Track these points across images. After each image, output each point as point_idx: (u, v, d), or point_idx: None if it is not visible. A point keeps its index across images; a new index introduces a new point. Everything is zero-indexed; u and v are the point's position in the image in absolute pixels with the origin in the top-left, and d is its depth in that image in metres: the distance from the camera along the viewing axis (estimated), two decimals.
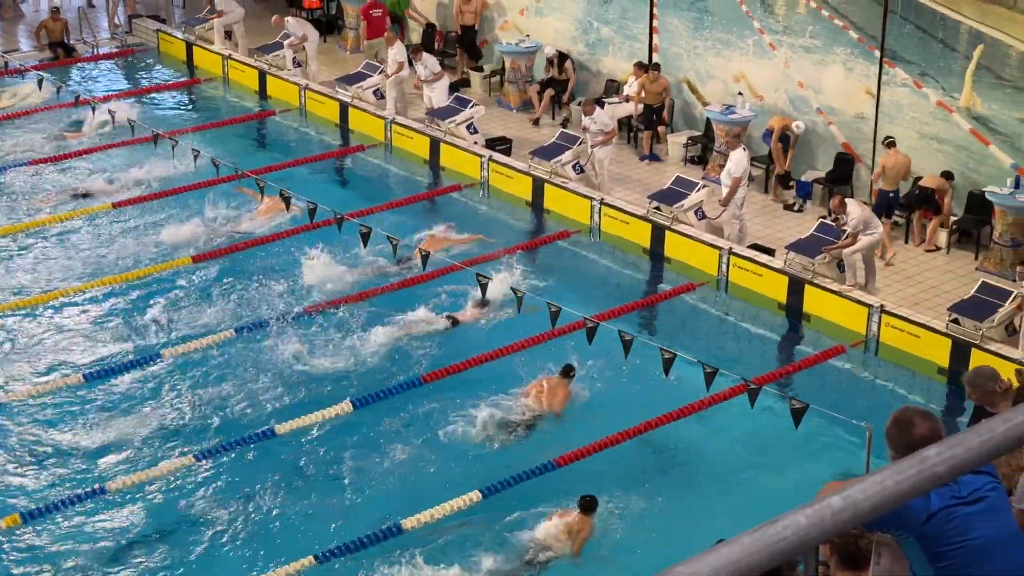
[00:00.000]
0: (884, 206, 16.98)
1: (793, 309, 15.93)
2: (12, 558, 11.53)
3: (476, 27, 23.07)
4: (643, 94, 19.83)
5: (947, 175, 16.86)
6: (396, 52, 21.35)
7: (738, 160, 16.94)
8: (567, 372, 13.80)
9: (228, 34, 24.68)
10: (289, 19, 23.54)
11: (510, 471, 12.38)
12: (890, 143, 17.07)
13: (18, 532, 11.73)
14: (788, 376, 14.49)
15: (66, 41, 24.69)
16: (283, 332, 14.96)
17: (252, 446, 12.95)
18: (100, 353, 14.84)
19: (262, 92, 23.30)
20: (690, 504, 12.37)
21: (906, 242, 17.28)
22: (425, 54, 21.39)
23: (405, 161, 20.56)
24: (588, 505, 11.67)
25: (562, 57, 21.62)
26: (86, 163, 20.16)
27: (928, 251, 16.95)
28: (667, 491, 12.51)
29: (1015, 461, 5.39)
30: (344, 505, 12.26)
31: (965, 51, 16.75)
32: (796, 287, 15.90)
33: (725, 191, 17.08)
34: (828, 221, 16.26)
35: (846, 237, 15.59)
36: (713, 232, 17.34)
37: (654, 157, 20.08)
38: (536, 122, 21.48)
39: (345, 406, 13.42)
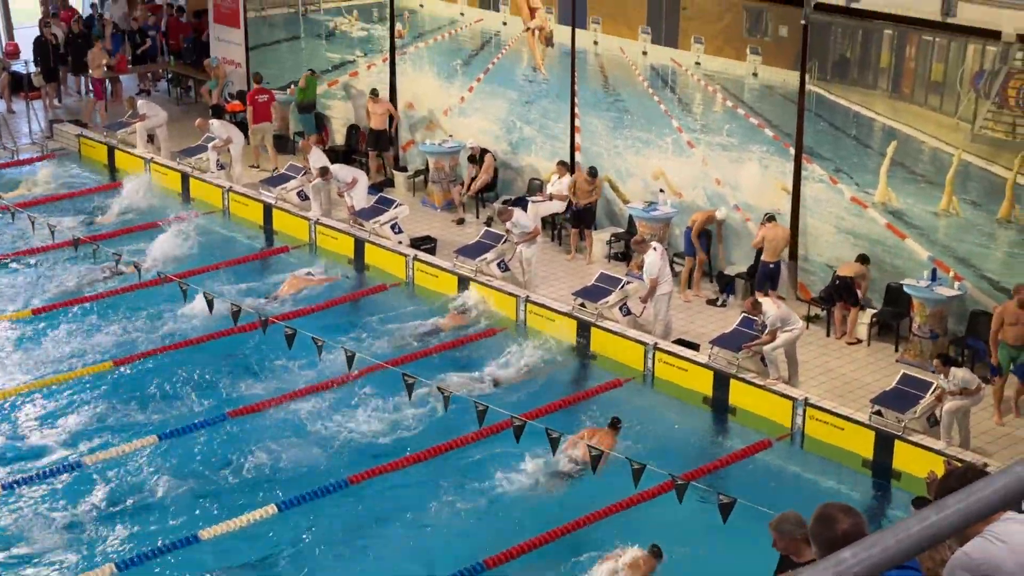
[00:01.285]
0: (765, 276, 17.73)
1: (719, 403, 16.03)
2: None
3: (387, 130, 23.21)
4: (577, 193, 20.01)
5: (863, 259, 17.20)
6: (315, 158, 21.50)
7: (651, 262, 17.08)
8: (615, 424, 14.51)
9: (151, 138, 24.65)
10: (213, 122, 23.59)
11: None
12: (770, 218, 17.80)
13: None
14: (716, 471, 14.52)
15: None
16: (213, 435, 14.82)
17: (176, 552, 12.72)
18: (19, 460, 14.57)
19: (185, 195, 23.23)
20: None
21: (828, 335, 17.50)
22: (334, 168, 21.35)
23: (330, 262, 20.53)
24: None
25: (483, 152, 21.80)
26: (6, 270, 19.93)
27: (849, 343, 17.17)
28: None
29: (938, 556, 5.41)
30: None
31: (879, 147, 17.15)
32: (721, 381, 16.02)
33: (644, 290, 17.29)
34: (750, 316, 16.44)
35: (766, 334, 15.77)
36: (638, 328, 17.45)
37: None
38: (460, 221, 21.61)
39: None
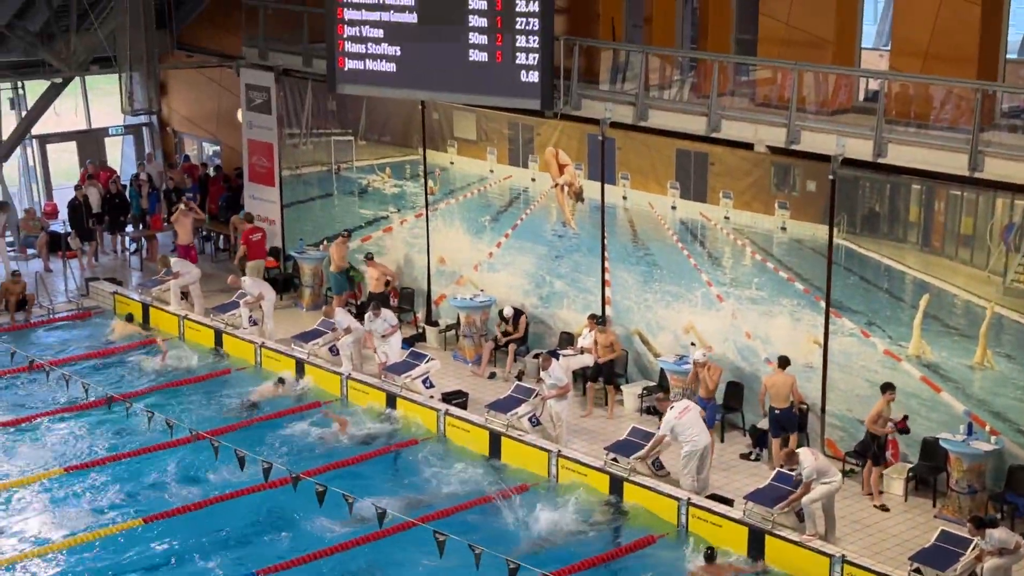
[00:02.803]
0: (775, 423, 17.83)
1: (755, 558, 15.76)
2: None
3: (384, 292, 23.45)
4: (597, 348, 20.08)
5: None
6: (339, 318, 21.84)
7: (667, 420, 17.17)
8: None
9: (184, 295, 24.93)
10: (245, 279, 23.89)
11: None
12: (775, 364, 17.99)
13: None
14: None
15: (24, 299, 24.92)
16: None
17: None
18: None
19: (218, 350, 23.38)
20: None
21: (864, 491, 17.27)
22: (384, 310, 21.68)
23: (361, 415, 20.51)
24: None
25: (517, 313, 21.93)
26: (39, 429, 20.00)
27: (877, 507, 16.85)
28: None
29: None
30: None
31: (911, 300, 17.14)
32: (757, 537, 15.78)
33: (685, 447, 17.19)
34: (785, 470, 16.28)
35: (802, 487, 15.59)
36: (670, 483, 17.31)
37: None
38: (492, 376, 21.62)
39: None
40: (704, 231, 19.55)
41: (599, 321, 20.40)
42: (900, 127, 16.64)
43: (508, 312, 21.90)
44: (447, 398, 20.32)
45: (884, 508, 16.84)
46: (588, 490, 17.61)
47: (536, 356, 20.73)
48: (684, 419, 17.08)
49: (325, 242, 25.44)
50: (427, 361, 20.82)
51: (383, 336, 21.31)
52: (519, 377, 20.98)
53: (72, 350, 23.54)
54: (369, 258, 23.73)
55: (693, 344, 19.61)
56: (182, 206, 26.41)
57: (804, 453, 15.88)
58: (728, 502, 16.62)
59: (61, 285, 26.77)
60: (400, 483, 18.19)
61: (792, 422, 17.78)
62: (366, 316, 21.65)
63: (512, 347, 21.74)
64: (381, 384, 20.79)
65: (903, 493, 16.99)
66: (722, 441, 18.98)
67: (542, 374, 18.82)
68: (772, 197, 18.52)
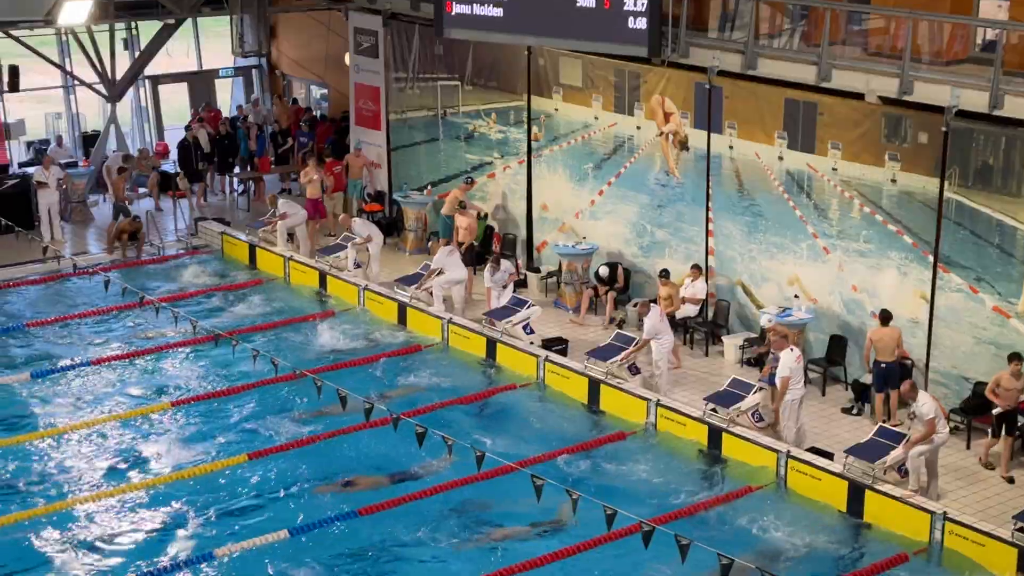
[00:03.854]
0: (880, 377, 17.63)
1: (854, 515, 15.66)
2: None
3: (473, 245, 23.56)
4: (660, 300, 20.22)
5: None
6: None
7: (785, 361, 16.99)
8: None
9: (291, 236, 25.25)
10: (356, 220, 24.14)
11: None
12: (881, 318, 17.72)
13: None
14: None
15: (136, 236, 25.46)
16: (344, 531, 14.97)
17: None
18: (154, 549, 14.87)
19: (323, 292, 23.68)
20: None
21: (967, 447, 17.03)
22: (503, 260, 21.80)
23: (462, 360, 20.68)
24: None
25: (612, 269, 21.85)
26: (145, 362, 20.49)
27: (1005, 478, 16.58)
28: None
29: None
30: None
31: (1022, 256, 16.78)
32: (857, 492, 15.66)
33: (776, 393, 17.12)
34: (888, 426, 16.13)
35: (924, 426, 15.40)
36: (771, 435, 17.23)
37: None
38: (620, 323, 21.39)
39: None
40: (811, 182, 19.30)
41: (662, 273, 20.34)
42: (1018, 78, 16.22)
43: (604, 272, 21.85)
44: (547, 345, 20.38)
45: (990, 466, 16.58)
46: (686, 439, 17.60)
47: (635, 305, 20.68)
48: (800, 365, 17.03)
49: (429, 187, 25.57)
50: (528, 307, 20.89)
51: (504, 287, 21.46)
52: (619, 326, 20.96)
53: (181, 287, 24.02)
54: (461, 207, 23.81)
55: (796, 296, 19.42)
56: (312, 163, 26.43)
57: (925, 394, 15.74)
58: (828, 456, 16.51)
59: (170, 224, 27.27)
60: (498, 427, 18.32)
61: (896, 377, 17.56)
62: (486, 270, 21.80)
63: (612, 295, 21.70)
64: (481, 330, 20.91)
65: (1009, 452, 16.72)
66: (823, 395, 18.83)
67: (645, 320, 18.79)
68: (882, 149, 18.20)
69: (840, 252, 18.99)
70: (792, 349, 17.22)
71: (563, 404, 19.10)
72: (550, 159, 23.59)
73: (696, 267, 20.60)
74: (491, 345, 20.55)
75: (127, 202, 26.46)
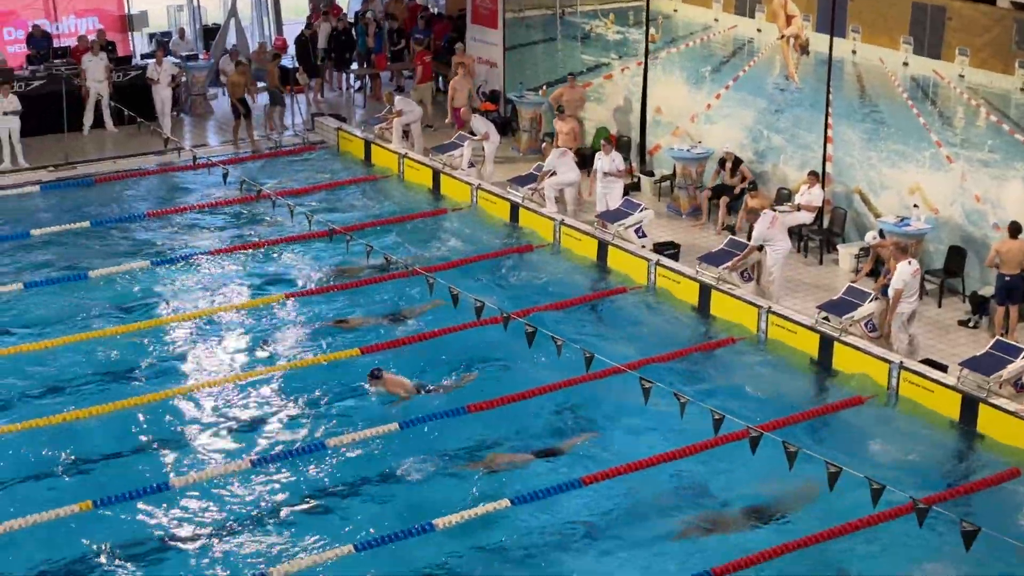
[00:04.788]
0: (1004, 290, 17.15)
1: (967, 427, 15.48)
2: None
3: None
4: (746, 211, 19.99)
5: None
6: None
7: (900, 272, 16.73)
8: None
9: (406, 133, 25.34)
10: (476, 116, 24.12)
11: None
12: (1010, 230, 17.17)
13: None
14: (961, 497, 14.02)
15: (246, 97, 25.93)
16: (452, 427, 15.19)
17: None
18: (267, 439, 15.24)
19: (436, 191, 23.79)
20: None
21: None
22: (616, 152, 21.66)
23: (573, 262, 20.70)
24: None
25: (736, 160, 21.62)
26: (261, 254, 20.83)
27: None
28: None
29: None
30: None
31: None
32: (970, 404, 15.46)
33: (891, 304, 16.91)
34: (1006, 340, 15.84)
35: None
36: (884, 346, 17.04)
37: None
38: (729, 230, 21.24)
39: None
40: (936, 89, 18.80)
41: (750, 187, 20.25)
42: None
43: (726, 150, 21.61)
44: (659, 249, 20.30)
45: None
46: (796, 348, 17.48)
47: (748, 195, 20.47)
48: (916, 278, 16.78)
49: (544, 87, 25.42)
50: (641, 211, 20.78)
51: (605, 173, 21.29)
52: (732, 231, 20.76)
53: (297, 182, 24.30)
54: (559, 111, 23.64)
55: (916, 206, 19.04)
56: (461, 72, 26.22)
57: None
58: (942, 368, 16.28)
59: (288, 119, 27.51)
60: (608, 330, 18.36)
61: (1020, 291, 17.15)
62: (597, 154, 21.68)
63: (724, 200, 21.46)
64: (594, 231, 20.87)
65: None
66: (939, 307, 18.52)
67: (755, 229, 18.60)
68: (1012, 56, 17.63)
69: (963, 162, 18.53)
70: (910, 262, 16.92)
71: (673, 309, 19.06)
72: (667, 61, 23.28)
73: (812, 174, 20.27)
74: (602, 247, 20.52)
75: (251, 95, 26.66)
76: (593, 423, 15.75)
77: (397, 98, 25.78)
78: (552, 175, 21.90)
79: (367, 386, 16.15)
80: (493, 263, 20.60)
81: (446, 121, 26.65)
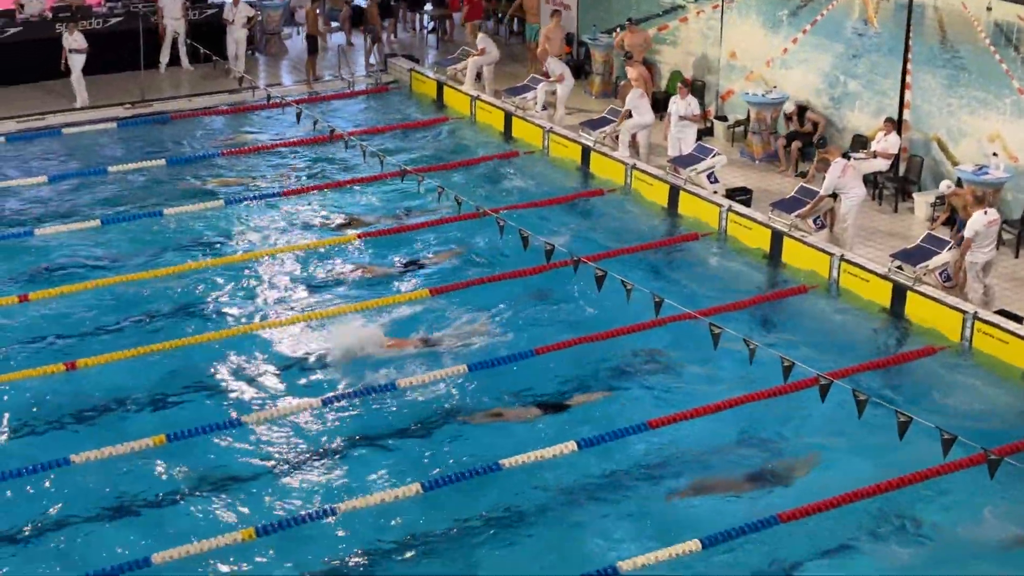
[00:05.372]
0: None
1: None
2: None
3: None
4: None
5: None
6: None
7: (973, 221, 16.51)
8: None
9: (477, 76, 25.26)
10: (552, 58, 23.97)
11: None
12: None
13: None
14: None
15: (314, 34, 26.11)
16: (521, 369, 15.32)
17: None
18: (336, 378, 15.40)
19: (507, 133, 23.73)
20: None
21: None
22: (692, 97, 21.48)
23: (644, 207, 20.61)
24: None
25: (801, 110, 21.35)
26: (336, 195, 20.95)
27: None
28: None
29: None
30: None
31: None
32: None
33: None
34: None
35: None
36: (958, 295, 16.83)
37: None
38: (801, 176, 21.01)
39: None
40: (1020, 35, 18.39)
41: (819, 143, 19.85)
42: None
43: (789, 108, 21.35)
44: (731, 194, 20.13)
45: None
46: (868, 297, 17.32)
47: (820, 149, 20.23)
48: (992, 227, 16.54)
49: (618, 30, 25.19)
50: (714, 156, 20.61)
51: (681, 117, 21.12)
52: (804, 177, 20.52)
53: (369, 122, 24.36)
54: (628, 58, 23.42)
55: (995, 154, 18.71)
56: (554, 21, 25.88)
57: None
58: (1018, 319, 16.05)
59: (361, 59, 27.53)
60: (678, 276, 18.29)
61: None
62: (673, 98, 21.50)
63: (796, 145, 21.22)
64: (665, 176, 20.74)
65: None
66: (1016, 257, 18.25)
67: (826, 176, 18.39)
68: None
69: None
70: (986, 211, 16.65)
71: (744, 255, 18.94)
72: (743, 5, 22.96)
73: (889, 120, 19.96)
74: (674, 192, 20.40)
75: (321, 36, 26.70)
76: (660, 368, 15.72)
77: (481, 35, 25.60)
78: (629, 116, 21.72)
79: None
80: (563, 207, 20.55)
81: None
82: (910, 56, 19.99)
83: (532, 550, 12.45)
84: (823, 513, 12.62)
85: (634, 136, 21.93)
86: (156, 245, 18.88)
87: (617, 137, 21.95)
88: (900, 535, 12.75)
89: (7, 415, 14.46)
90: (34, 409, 14.58)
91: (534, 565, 12.22)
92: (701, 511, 13.01)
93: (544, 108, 23.75)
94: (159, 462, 13.56)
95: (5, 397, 14.72)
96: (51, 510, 12.82)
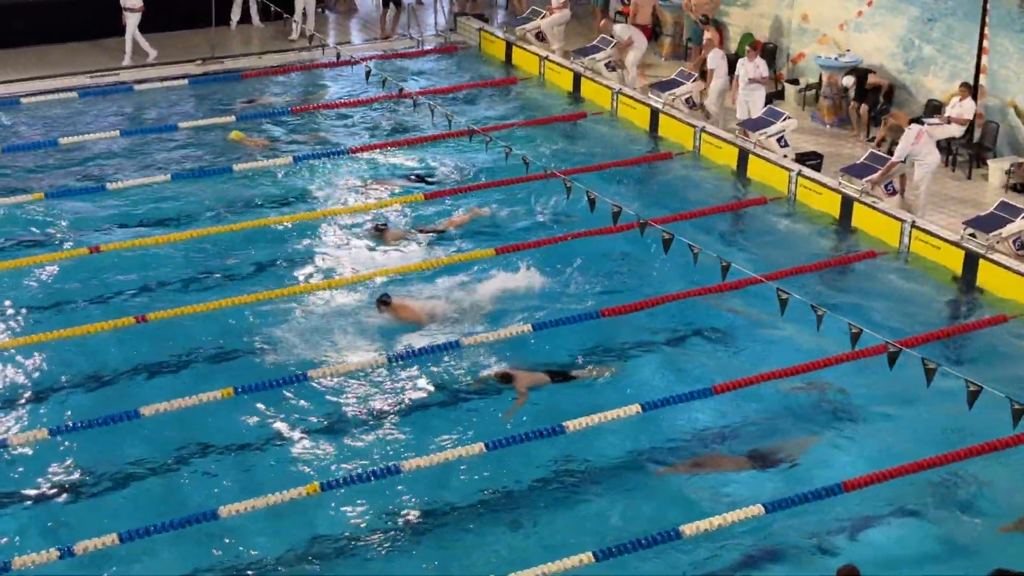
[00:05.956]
0: None
1: None
2: None
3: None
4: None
5: None
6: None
7: None
8: None
9: (541, 36, 25.11)
10: (617, 25, 23.79)
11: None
12: None
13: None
14: None
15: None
16: (584, 330, 15.30)
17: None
18: (403, 337, 15.47)
19: (576, 94, 23.62)
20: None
21: None
22: (760, 59, 21.25)
23: (712, 170, 20.45)
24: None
25: (860, 80, 21.02)
26: (405, 153, 20.98)
27: None
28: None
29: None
30: None
31: None
32: None
33: None
34: None
35: None
36: None
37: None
38: (872, 141, 20.75)
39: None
40: None
41: (885, 109, 19.47)
42: None
43: (848, 82, 21.09)
44: (801, 159, 19.92)
45: None
46: (939, 264, 17.11)
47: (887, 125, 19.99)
48: None
49: None
50: (784, 119, 20.39)
51: (750, 80, 20.91)
52: (876, 143, 20.27)
53: (438, 82, 24.33)
54: (704, 21, 23.16)
55: None
56: None
57: None
58: None
59: (430, 19, 27.50)
60: (745, 241, 18.16)
61: None
62: (740, 60, 21.30)
63: (865, 109, 20.93)
64: (735, 139, 20.56)
65: None
66: None
67: (899, 143, 18.15)
68: None
69: None
70: None
71: (813, 220, 18.76)
72: None
73: (965, 85, 19.63)
74: (743, 156, 20.22)
75: None
76: (723, 334, 15.64)
77: None
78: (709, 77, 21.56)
79: (376, 312, 15.81)
80: (631, 169, 20.44)
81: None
82: (988, 20, 19.62)
83: (595, 510, 12.48)
84: (889, 481, 12.53)
85: (702, 98, 21.75)
86: (226, 201, 19.03)
87: (691, 99, 21.80)
88: (967, 506, 12.62)
89: (79, 367, 14.67)
90: (104, 362, 14.79)
91: (599, 524, 12.25)
92: (768, 475, 12.96)
93: (612, 69, 23.57)
94: (226, 414, 13.71)
95: (77, 349, 14.94)
96: (119, 462, 13.01)
